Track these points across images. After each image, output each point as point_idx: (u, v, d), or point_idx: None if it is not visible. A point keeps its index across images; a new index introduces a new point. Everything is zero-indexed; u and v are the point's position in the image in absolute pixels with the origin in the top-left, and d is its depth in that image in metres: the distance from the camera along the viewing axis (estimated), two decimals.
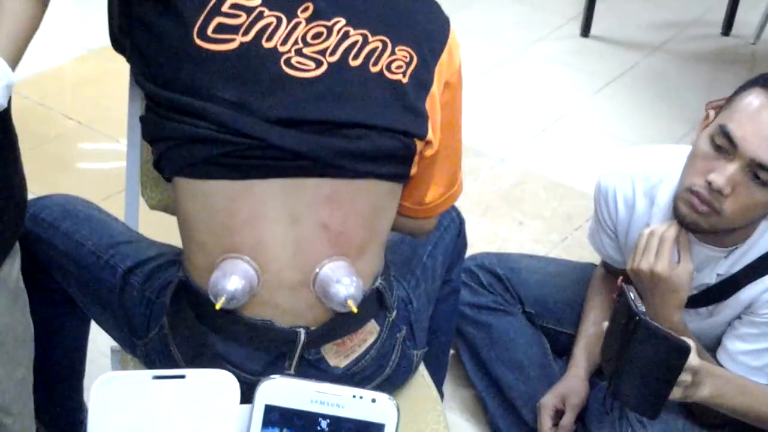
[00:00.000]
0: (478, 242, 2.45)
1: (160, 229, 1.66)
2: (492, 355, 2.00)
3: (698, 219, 1.57)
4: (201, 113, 1.22)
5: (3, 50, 1.21)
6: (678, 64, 3.48)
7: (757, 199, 1.53)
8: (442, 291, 1.68)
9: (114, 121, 2.87)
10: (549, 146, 3.00)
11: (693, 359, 1.41)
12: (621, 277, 1.68)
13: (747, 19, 3.65)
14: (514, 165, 2.89)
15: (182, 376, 1.10)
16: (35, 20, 1.29)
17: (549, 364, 2.00)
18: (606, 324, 1.52)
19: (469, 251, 1.87)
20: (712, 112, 1.62)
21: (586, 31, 3.59)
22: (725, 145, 1.53)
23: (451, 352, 2.00)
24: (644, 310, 1.42)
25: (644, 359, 1.41)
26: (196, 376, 1.10)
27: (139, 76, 1.28)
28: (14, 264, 1.42)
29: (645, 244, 1.63)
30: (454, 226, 1.70)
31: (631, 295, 1.43)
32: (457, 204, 1.68)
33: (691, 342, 1.41)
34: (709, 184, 1.53)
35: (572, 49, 3.54)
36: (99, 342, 1.81)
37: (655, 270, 1.61)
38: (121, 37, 1.34)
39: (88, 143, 2.87)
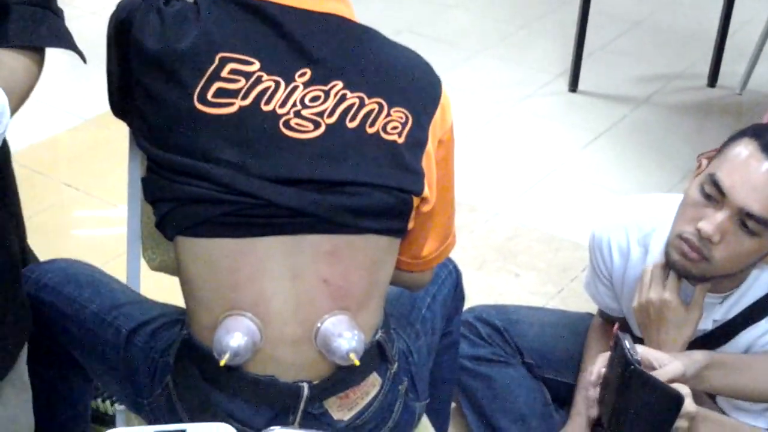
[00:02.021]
0: (476, 295, 2.47)
1: (161, 289, 1.68)
2: (493, 407, 2.01)
3: (688, 265, 1.60)
4: (203, 174, 1.25)
5: None
6: (665, 115, 3.54)
7: (746, 247, 1.56)
8: (441, 343, 1.70)
9: (111, 186, 2.90)
10: (542, 199, 3.04)
11: (689, 405, 1.43)
12: (617, 325, 1.70)
13: (732, 70, 3.71)
14: (508, 218, 2.92)
15: (183, 431, 1.11)
16: (32, 78, 1.32)
17: (550, 414, 2.01)
18: (603, 371, 1.54)
19: (467, 305, 1.89)
20: (705, 162, 1.66)
21: (573, 86, 3.65)
22: (714, 193, 1.56)
23: (453, 404, 2.00)
24: (639, 358, 1.44)
25: (640, 407, 1.43)
26: (197, 429, 1.11)
27: (141, 139, 1.31)
28: (22, 356, 1.44)
29: (651, 276, 1.66)
30: (451, 278, 1.72)
31: (626, 343, 1.45)
32: (453, 258, 1.71)
33: (686, 389, 1.43)
34: (699, 231, 1.56)
35: (561, 104, 3.59)
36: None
37: (664, 297, 1.63)
38: (122, 104, 1.37)
39: (86, 209, 2.90)
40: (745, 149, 1.56)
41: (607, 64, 3.86)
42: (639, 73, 3.81)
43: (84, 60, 1.39)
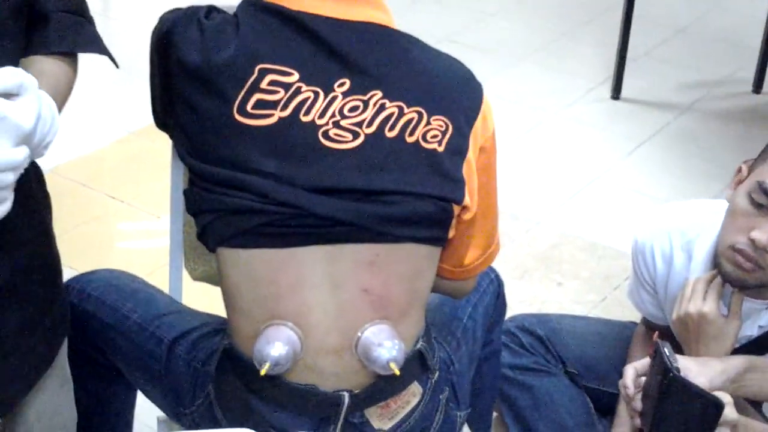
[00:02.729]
0: (518, 305, 2.46)
1: (203, 300, 1.69)
2: (536, 417, 1.99)
3: (743, 276, 1.58)
4: (244, 185, 1.26)
5: None
6: (710, 122, 3.50)
7: None
8: (483, 352, 1.69)
9: (154, 198, 2.93)
10: (584, 207, 3.02)
11: (730, 413, 1.41)
12: (656, 333, 1.68)
13: None
14: (550, 227, 2.91)
15: None
16: (71, 83, 1.35)
17: (593, 424, 1.99)
18: (643, 379, 1.53)
19: (509, 314, 1.88)
20: (744, 167, 1.64)
21: (616, 93, 3.62)
22: (765, 201, 1.54)
23: (495, 414, 1.99)
24: (678, 366, 1.42)
25: (680, 415, 1.41)
26: None
27: (183, 152, 1.32)
28: (62, 349, 1.47)
29: (692, 289, 1.64)
30: (493, 287, 1.72)
31: (666, 351, 1.44)
32: (495, 267, 1.71)
33: (727, 396, 1.41)
34: (753, 241, 1.54)
35: (603, 111, 3.57)
36: (143, 416, 1.83)
37: (702, 311, 1.62)
38: (164, 116, 1.39)
39: (129, 221, 2.93)
40: None
41: (651, 70, 3.83)
42: (683, 80, 3.77)
43: (116, 65, 1.41)
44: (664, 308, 1.85)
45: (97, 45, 1.38)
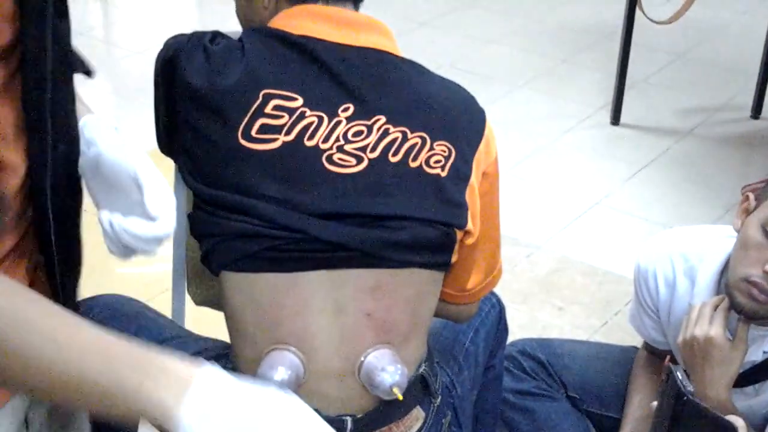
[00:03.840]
0: (519, 330, 2.46)
1: (206, 324, 1.69)
2: None
3: (756, 308, 1.58)
4: (248, 210, 1.27)
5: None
6: (709, 148, 3.51)
7: None
8: (485, 377, 1.69)
9: None
10: (584, 233, 3.02)
11: None
12: (668, 357, 1.69)
13: None
14: (551, 252, 2.91)
15: None
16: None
17: None
18: (654, 404, 1.53)
19: (510, 338, 1.88)
20: (751, 195, 1.64)
21: (616, 119, 3.64)
22: None
23: None
24: (692, 390, 1.43)
25: None
26: None
27: (187, 176, 1.33)
28: None
29: (698, 313, 1.64)
30: (494, 311, 1.72)
31: (679, 375, 1.44)
32: (496, 292, 1.71)
33: (740, 420, 1.41)
34: (767, 274, 1.54)
35: (603, 137, 3.58)
36: None
37: (709, 334, 1.62)
38: (168, 140, 1.39)
39: None
40: None
41: (650, 96, 3.85)
42: (682, 106, 3.79)
43: (91, 74, 1.37)
44: (667, 333, 1.85)
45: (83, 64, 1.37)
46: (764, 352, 1.70)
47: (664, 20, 3.54)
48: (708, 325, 1.63)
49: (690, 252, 1.78)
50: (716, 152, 3.48)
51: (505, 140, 3.35)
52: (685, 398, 1.40)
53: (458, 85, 1.38)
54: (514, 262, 2.83)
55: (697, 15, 3.76)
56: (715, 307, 1.64)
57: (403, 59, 1.34)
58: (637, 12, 3.45)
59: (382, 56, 1.31)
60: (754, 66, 3.69)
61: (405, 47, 1.37)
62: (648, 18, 3.46)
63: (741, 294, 1.59)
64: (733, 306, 1.62)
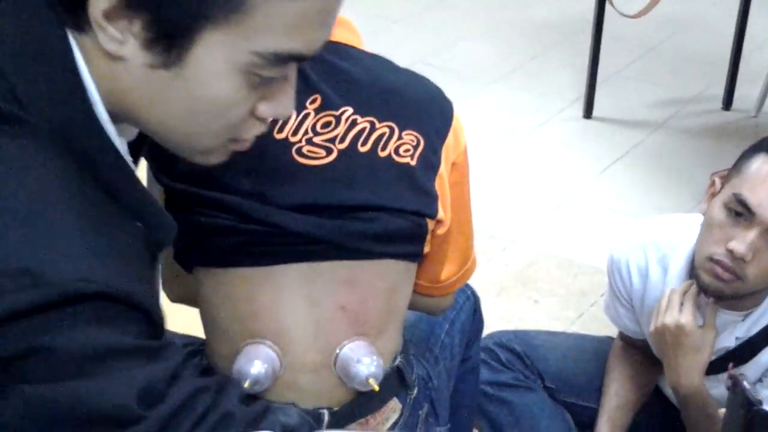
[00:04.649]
0: (495, 322, 2.46)
1: (180, 321, 1.68)
2: None
3: (722, 286, 1.60)
4: (220, 205, 1.27)
5: None
6: (681, 139, 3.54)
7: None
8: (461, 368, 1.70)
9: None
10: (559, 225, 3.04)
11: None
12: (731, 365, 1.70)
13: (747, 93, 3.71)
14: (526, 245, 2.93)
15: None
16: None
17: None
18: (722, 411, 1.52)
19: (486, 332, 1.89)
20: (717, 180, 1.66)
21: (588, 113, 3.65)
22: (742, 212, 1.56)
23: (475, 430, 2.00)
24: (761, 398, 1.44)
25: None
26: None
27: (158, 172, 1.32)
28: None
29: (668, 301, 1.66)
30: (469, 303, 1.73)
31: (746, 384, 1.45)
32: (471, 285, 1.72)
33: None
34: (731, 252, 1.56)
35: (576, 130, 3.60)
36: None
37: (680, 322, 1.64)
38: (139, 137, 1.39)
39: None
40: (765, 164, 1.56)
41: (622, 89, 3.87)
42: (654, 98, 3.81)
43: None
44: (641, 322, 1.87)
45: None
46: (737, 338, 1.71)
47: (635, 14, 3.56)
48: (678, 313, 1.64)
49: (662, 241, 1.79)
50: (688, 144, 3.50)
51: (479, 135, 3.37)
52: (755, 407, 1.40)
53: (424, 78, 1.38)
54: (489, 255, 2.84)
55: (667, 8, 3.77)
56: (685, 294, 1.66)
57: (368, 53, 1.34)
58: (608, 6, 3.47)
59: (348, 50, 1.32)
60: (724, 58, 3.72)
61: (378, 45, 1.38)
62: (618, 12, 3.48)
63: (706, 273, 1.61)
64: (700, 287, 1.63)
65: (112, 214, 0.92)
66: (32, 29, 0.89)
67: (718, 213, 1.59)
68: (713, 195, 1.64)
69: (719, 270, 1.58)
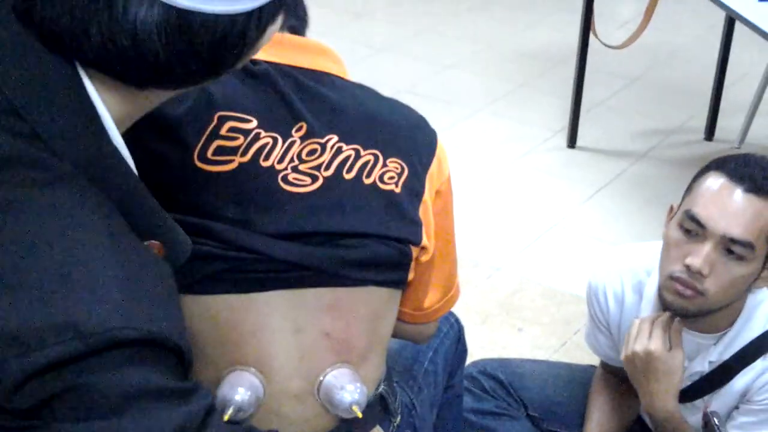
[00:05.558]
0: (479, 350, 2.47)
1: None
2: None
3: (685, 303, 1.62)
4: (205, 232, 1.27)
5: None
6: (664, 169, 3.56)
7: (736, 273, 1.60)
8: (445, 396, 1.70)
9: None
10: (543, 254, 3.05)
11: None
12: (705, 405, 1.71)
13: (729, 124, 3.75)
14: (510, 273, 2.94)
15: None
16: None
17: None
18: None
19: (470, 359, 1.89)
20: (674, 206, 1.70)
21: (572, 142, 3.68)
22: (694, 228, 1.60)
23: None
24: None
25: None
26: None
27: None
28: None
29: (638, 329, 1.68)
30: (453, 331, 1.73)
31: (716, 420, 1.47)
32: (456, 313, 1.72)
33: None
34: (688, 267, 1.58)
35: (560, 160, 3.63)
36: None
37: (648, 348, 1.66)
38: None
39: None
40: (715, 181, 1.62)
41: (606, 120, 3.90)
42: (637, 129, 3.85)
43: None
44: (619, 349, 1.88)
45: None
46: (710, 362, 1.73)
47: (618, 45, 3.60)
48: (647, 340, 1.66)
49: (638, 267, 1.81)
50: (671, 174, 3.53)
51: (464, 163, 3.39)
52: None
53: (407, 106, 1.40)
54: (474, 283, 2.85)
55: (650, 40, 3.82)
56: (654, 322, 1.68)
57: (352, 82, 1.36)
58: (592, 37, 3.50)
59: (333, 79, 1.33)
60: (706, 89, 3.75)
61: (364, 73, 1.39)
62: (602, 43, 3.52)
63: (668, 292, 1.63)
64: (664, 307, 1.66)
65: (139, 246, 0.94)
66: (42, 67, 0.90)
67: (674, 232, 1.63)
68: (671, 219, 1.68)
69: (679, 287, 1.61)
